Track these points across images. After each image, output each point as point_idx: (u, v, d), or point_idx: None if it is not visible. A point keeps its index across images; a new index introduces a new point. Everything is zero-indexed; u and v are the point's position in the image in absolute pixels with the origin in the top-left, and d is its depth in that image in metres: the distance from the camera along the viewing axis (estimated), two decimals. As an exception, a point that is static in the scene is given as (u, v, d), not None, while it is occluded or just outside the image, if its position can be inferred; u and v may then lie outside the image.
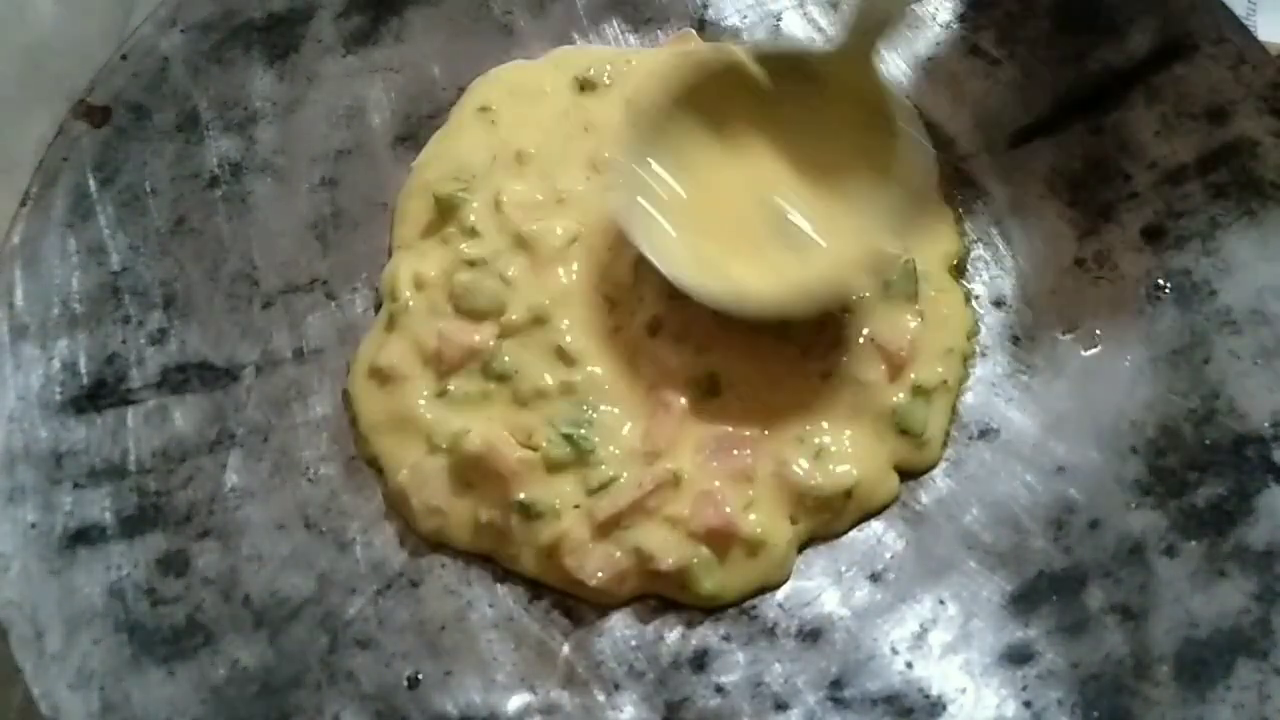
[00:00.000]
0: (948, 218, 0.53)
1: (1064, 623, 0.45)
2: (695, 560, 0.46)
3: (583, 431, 0.48)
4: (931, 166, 0.49)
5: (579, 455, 0.47)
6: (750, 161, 0.50)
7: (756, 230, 0.49)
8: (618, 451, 0.48)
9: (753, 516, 0.47)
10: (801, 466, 0.47)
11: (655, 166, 0.50)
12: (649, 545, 0.46)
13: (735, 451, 0.48)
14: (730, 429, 0.48)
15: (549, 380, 0.49)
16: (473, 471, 0.47)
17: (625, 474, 0.47)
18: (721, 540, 0.46)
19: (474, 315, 0.50)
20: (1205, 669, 0.43)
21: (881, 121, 0.48)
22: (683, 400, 0.48)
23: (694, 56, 0.51)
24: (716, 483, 0.47)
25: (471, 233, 0.52)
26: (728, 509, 0.46)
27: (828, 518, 0.48)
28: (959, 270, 0.52)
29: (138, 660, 0.45)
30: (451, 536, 0.48)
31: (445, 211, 0.52)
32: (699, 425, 0.48)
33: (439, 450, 0.48)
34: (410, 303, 0.51)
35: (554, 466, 0.47)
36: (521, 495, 0.46)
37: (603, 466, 0.47)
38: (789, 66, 0.50)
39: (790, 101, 0.50)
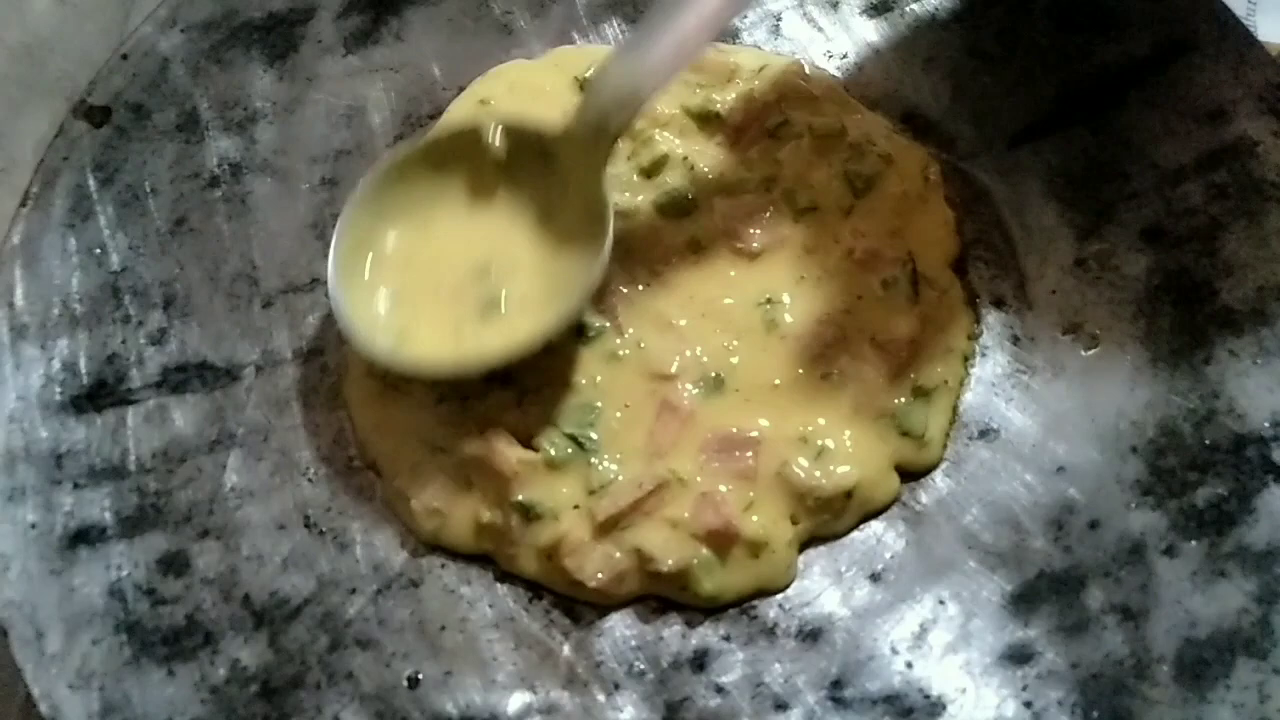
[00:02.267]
0: (947, 218, 0.53)
1: (1064, 623, 0.45)
2: (695, 561, 0.46)
3: (588, 432, 0.48)
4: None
5: (581, 455, 0.47)
6: (484, 227, 0.51)
7: (459, 294, 0.49)
8: (619, 452, 0.48)
9: (754, 518, 0.46)
10: (802, 467, 0.47)
11: (389, 221, 0.50)
12: (649, 546, 0.46)
13: (736, 452, 0.47)
14: (733, 430, 0.48)
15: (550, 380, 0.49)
16: (473, 472, 0.47)
17: (625, 474, 0.47)
18: (722, 541, 0.46)
19: None
20: (1205, 669, 0.43)
21: (593, 212, 0.48)
22: (686, 400, 0.48)
23: (445, 121, 0.54)
24: (717, 483, 0.47)
25: None
26: (728, 509, 0.46)
27: (828, 518, 0.47)
28: (959, 270, 0.52)
29: (138, 660, 0.45)
30: (451, 538, 0.48)
31: None
32: (702, 424, 0.48)
33: (438, 451, 0.48)
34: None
35: (555, 466, 0.47)
36: (520, 496, 0.46)
37: (603, 466, 0.47)
38: (528, 141, 0.50)
39: (529, 174, 0.50)
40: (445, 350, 0.48)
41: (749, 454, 0.47)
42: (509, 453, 0.47)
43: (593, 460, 0.47)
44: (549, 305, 0.48)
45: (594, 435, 0.48)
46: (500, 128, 0.50)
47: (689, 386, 0.49)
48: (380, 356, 0.48)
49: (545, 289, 0.49)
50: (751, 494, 0.47)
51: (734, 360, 0.49)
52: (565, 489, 0.47)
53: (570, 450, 0.47)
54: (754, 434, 0.48)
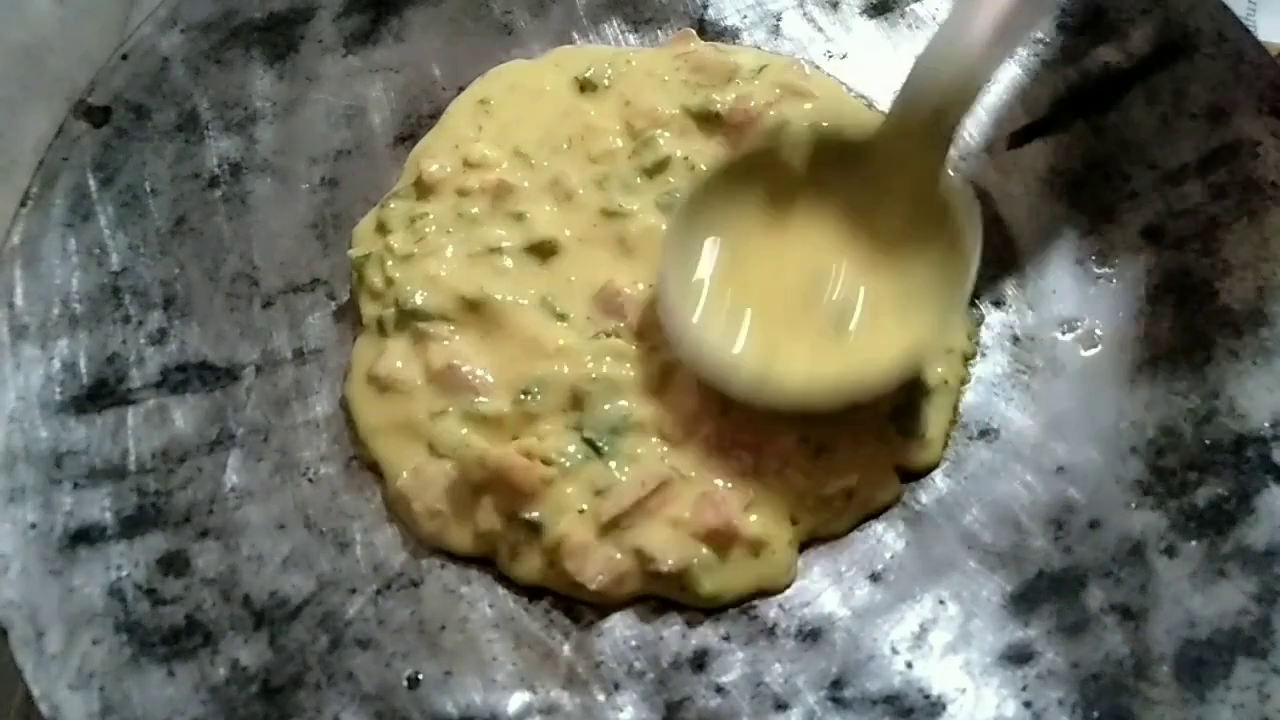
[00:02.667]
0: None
1: (1064, 623, 0.45)
2: (695, 561, 0.46)
3: (611, 438, 0.47)
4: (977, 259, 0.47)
5: (595, 459, 0.47)
6: (799, 241, 0.49)
7: (801, 312, 0.48)
8: (629, 453, 0.47)
9: (754, 517, 0.46)
10: (802, 467, 0.47)
11: (705, 242, 0.49)
12: (649, 546, 0.46)
13: (736, 451, 0.47)
14: (734, 428, 0.48)
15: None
16: (482, 484, 0.47)
17: (628, 473, 0.47)
18: (722, 541, 0.46)
19: None
20: (1205, 669, 0.43)
21: (934, 207, 0.47)
22: (694, 397, 0.48)
23: (745, 144, 0.51)
24: (717, 483, 0.47)
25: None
26: (728, 509, 0.46)
27: (828, 518, 0.47)
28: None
29: (138, 660, 0.45)
30: (452, 541, 0.47)
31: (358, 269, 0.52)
32: (704, 422, 0.48)
33: (440, 455, 0.48)
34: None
35: (568, 474, 0.47)
36: (531, 514, 0.46)
37: (613, 467, 0.47)
38: (831, 147, 0.49)
39: (837, 182, 0.49)
40: (822, 374, 0.46)
41: (748, 454, 0.47)
42: (531, 470, 0.46)
43: (605, 462, 0.47)
44: (906, 314, 0.47)
45: (615, 440, 0.48)
46: (798, 143, 0.49)
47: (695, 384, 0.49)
48: (746, 390, 0.46)
49: (896, 297, 0.47)
50: (751, 494, 0.47)
51: None
52: (573, 494, 0.47)
53: (583, 456, 0.47)
54: (751, 433, 0.48)
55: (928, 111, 0.46)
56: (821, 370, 0.46)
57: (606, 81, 0.55)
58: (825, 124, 0.49)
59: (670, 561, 0.45)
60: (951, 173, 0.48)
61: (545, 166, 0.53)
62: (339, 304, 0.53)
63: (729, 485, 0.47)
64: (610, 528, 0.46)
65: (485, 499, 0.47)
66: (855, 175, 0.49)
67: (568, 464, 0.47)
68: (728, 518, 0.46)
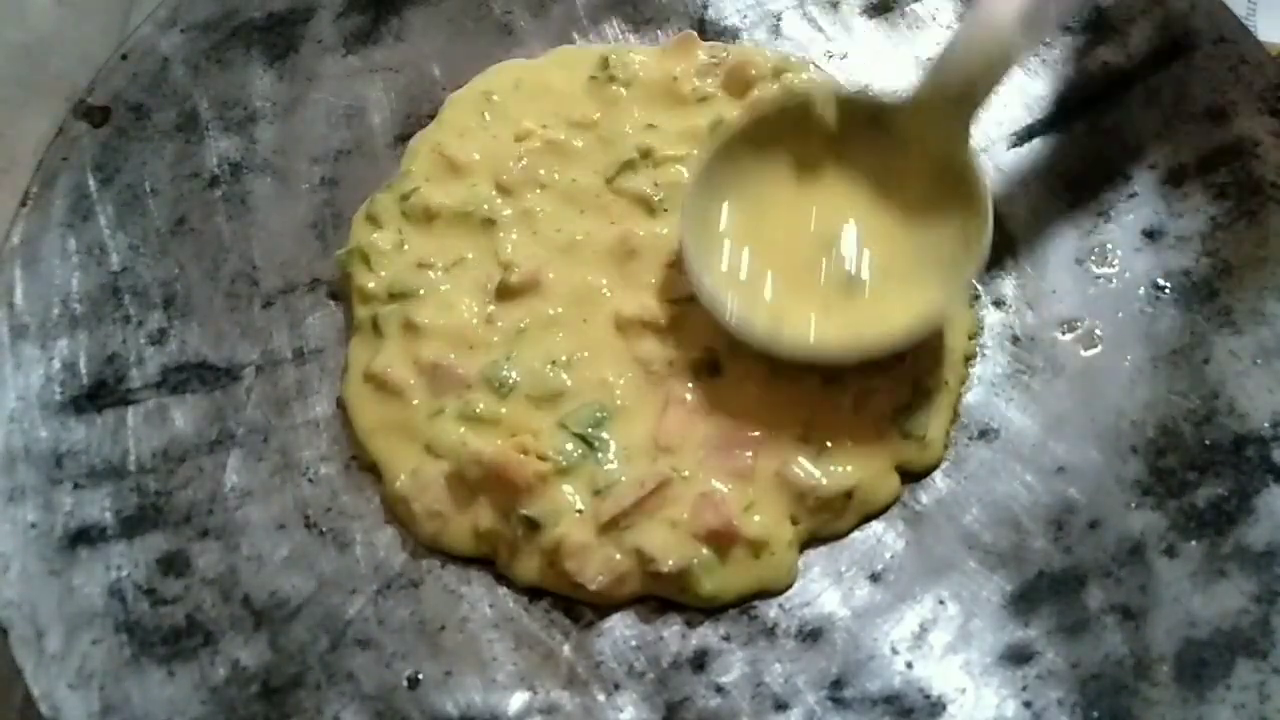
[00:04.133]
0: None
1: (1064, 623, 0.45)
2: (696, 562, 0.46)
3: (600, 432, 0.47)
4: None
5: (590, 455, 0.47)
6: (820, 201, 0.50)
7: (814, 270, 0.49)
8: (625, 450, 0.47)
9: (755, 518, 0.46)
10: (802, 467, 0.47)
11: (724, 200, 0.50)
12: (650, 547, 0.46)
13: (736, 451, 0.47)
14: (733, 428, 0.48)
15: (551, 383, 0.49)
16: (477, 479, 0.47)
17: (627, 473, 0.47)
18: (723, 541, 0.46)
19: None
20: (1205, 669, 0.43)
21: (953, 180, 0.48)
22: (689, 395, 0.48)
23: (770, 96, 0.52)
24: (716, 483, 0.47)
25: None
26: (728, 510, 0.46)
27: (828, 518, 0.47)
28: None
29: (138, 660, 0.45)
30: (451, 542, 0.47)
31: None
32: (704, 421, 0.48)
33: (438, 455, 0.48)
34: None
35: (564, 472, 0.47)
36: (527, 510, 0.46)
37: (610, 465, 0.47)
38: (860, 111, 0.49)
39: (861, 146, 0.50)
40: (830, 331, 0.47)
41: (748, 453, 0.47)
42: (525, 464, 0.46)
43: (599, 460, 0.47)
44: (918, 279, 0.47)
45: (605, 435, 0.48)
46: (833, 99, 0.49)
47: (689, 371, 0.49)
48: (762, 340, 0.47)
49: (909, 262, 0.48)
50: (751, 494, 0.47)
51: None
52: (571, 493, 0.47)
53: (579, 453, 0.47)
54: (752, 433, 0.48)
55: (957, 85, 0.47)
56: (825, 328, 0.47)
57: (622, 76, 0.55)
58: (852, 89, 0.50)
59: (670, 562, 0.45)
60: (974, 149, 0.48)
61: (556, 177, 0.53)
62: (339, 304, 0.53)
63: (729, 486, 0.47)
64: (609, 528, 0.46)
65: (483, 497, 0.47)
66: (883, 142, 0.49)
67: (564, 461, 0.47)
68: (728, 519, 0.46)
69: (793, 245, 0.49)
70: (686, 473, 0.47)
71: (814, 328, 0.48)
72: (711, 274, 0.48)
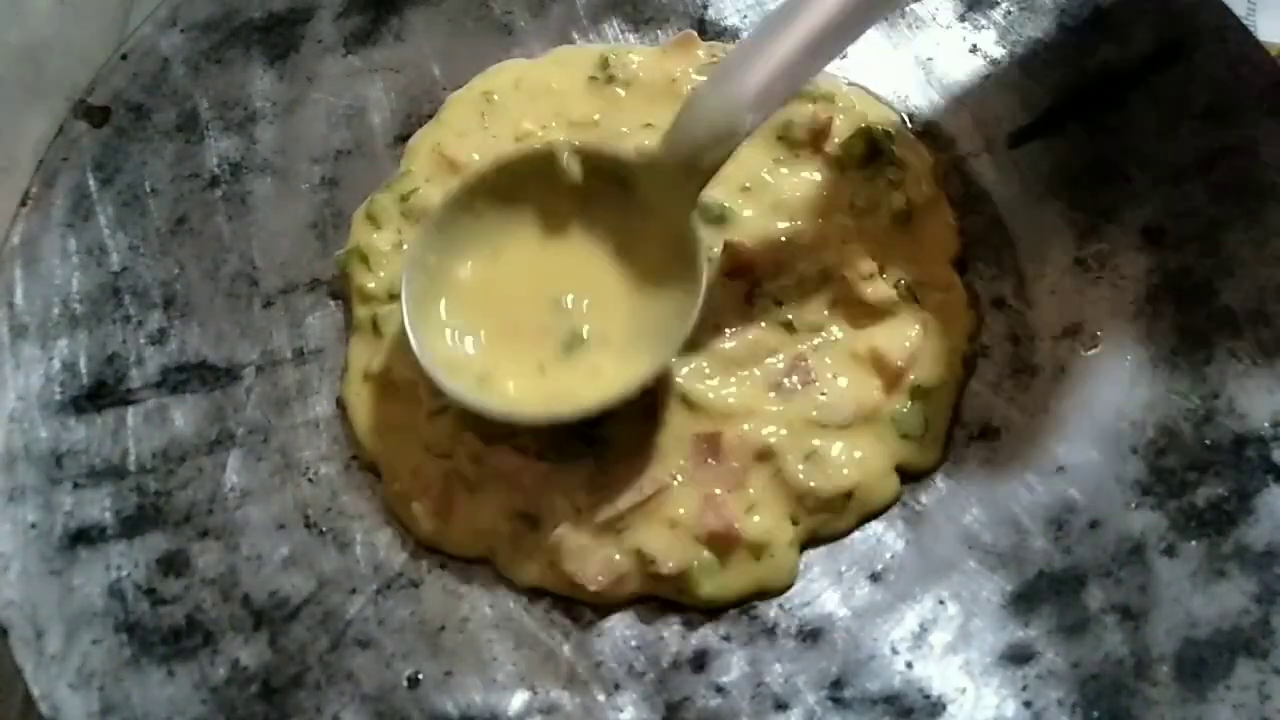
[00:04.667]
0: (950, 218, 0.53)
1: (1064, 623, 0.45)
2: (696, 563, 0.46)
3: (600, 431, 0.47)
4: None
5: (587, 455, 0.47)
6: (561, 258, 0.49)
7: (544, 330, 0.48)
8: (623, 451, 0.47)
9: (755, 519, 0.46)
10: (802, 468, 0.47)
11: (464, 251, 0.48)
12: (650, 548, 0.46)
13: (734, 453, 0.47)
14: (733, 428, 0.48)
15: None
16: (477, 478, 0.47)
17: (628, 476, 0.47)
18: (723, 543, 0.46)
19: None
20: (1205, 669, 0.43)
21: (679, 248, 0.47)
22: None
23: (516, 148, 0.51)
24: (712, 488, 0.47)
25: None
26: (729, 511, 0.46)
27: (828, 518, 0.47)
28: (959, 270, 0.52)
29: (138, 660, 0.45)
30: (451, 542, 0.47)
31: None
32: (703, 424, 0.48)
33: (438, 455, 0.48)
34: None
35: (562, 471, 0.47)
36: (527, 510, 0.46)
37: (608, 467, 0.47)
38: (604, 166, 0.48)
39: (606, 203, 0.48)
40: (533, 393, 0.46)
41: (749, 454, 0.47)
42: (523, 464, 0.47)
43: (601, 461, 0.47)
44: (636, 347, 0.46)
45: (604, 435, 0.48)
46: (575, 153, 0.48)
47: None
48: (463, 398, 0.46)
49: (630, 328, 0.47)
50: (751, 495, 0.47)
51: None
52: (569, 493, 0.47)
53: (578, 453, 0.47)
54: (756, 433, 0.48)
55: (687, 147, 0.46)
56: (532, 391, 0.46)
57: (622, 76, 0.55)
58: (599, 143, 0.49)
59: (671, 564, 0.45)
60: (696, 218, 0.47)
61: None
62: (339, 304, 0.53)
63: (729, 488, 0.47)
64: (608, 529, 0.46)
65: (482, 496, 0.47)
66: (626, 201, 0.48)
67: (563, 461, 0.47)
68: (728, 520, 0.46)
69: (526, 302, 0.48)
70: (687, 474, 0.47)
71: (515, 390, 0.46)
72: (430, 333, 0.47)
